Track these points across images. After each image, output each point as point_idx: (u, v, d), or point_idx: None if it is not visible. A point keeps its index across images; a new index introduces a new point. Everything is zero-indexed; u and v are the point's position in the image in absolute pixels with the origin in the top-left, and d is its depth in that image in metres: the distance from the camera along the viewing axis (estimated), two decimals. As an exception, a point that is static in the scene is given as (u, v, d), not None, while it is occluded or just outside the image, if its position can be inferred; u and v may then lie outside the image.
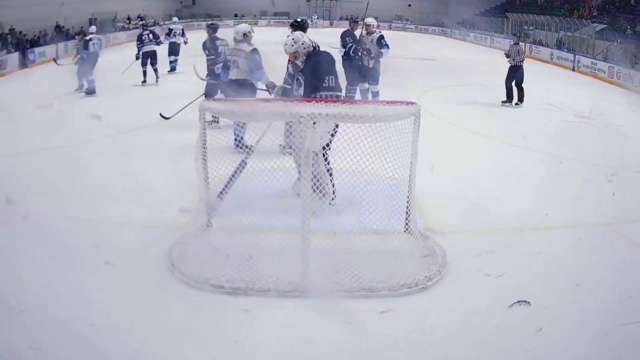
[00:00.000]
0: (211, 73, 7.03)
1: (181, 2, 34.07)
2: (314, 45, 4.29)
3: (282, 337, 2.82)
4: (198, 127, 3.68)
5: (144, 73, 10.71)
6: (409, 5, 35.51)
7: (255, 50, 5.65)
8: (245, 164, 3.93)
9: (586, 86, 13.32)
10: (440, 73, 14.11)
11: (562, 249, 3.89)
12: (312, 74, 4.19)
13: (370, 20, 7.46)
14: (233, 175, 3.87)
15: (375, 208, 3.67)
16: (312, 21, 28.78)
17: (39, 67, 14.15)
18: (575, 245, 3.91)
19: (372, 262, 3.41)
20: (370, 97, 7.33)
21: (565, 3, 25.69)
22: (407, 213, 3.83)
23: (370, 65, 7.25)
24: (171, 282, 3.31)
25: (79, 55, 9.82)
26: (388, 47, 7.25)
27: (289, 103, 3.60)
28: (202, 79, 7.17)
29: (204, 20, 22.63)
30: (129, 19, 26.46)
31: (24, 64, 14.22)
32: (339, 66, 6.97)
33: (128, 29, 23.80)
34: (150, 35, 10.85)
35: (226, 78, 5.90)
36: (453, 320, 3.00)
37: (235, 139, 4.50)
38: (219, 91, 6.68)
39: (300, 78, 4.43)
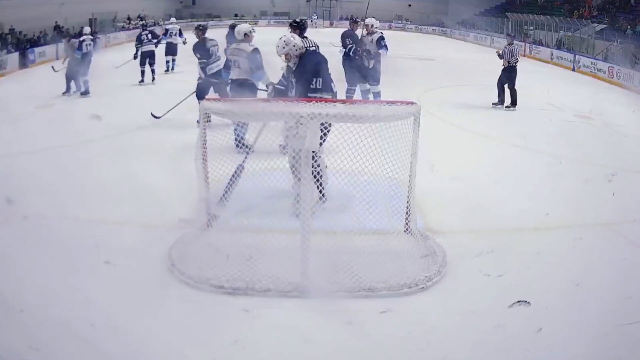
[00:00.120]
0: (205, 74, 6.96)
1: (181, 2, 34.08)
2: (306, 46, 4.28)
3: (282, 337, 2.82)
4: (198, 127, 3.68)
5: (142, 73, 10.81)
6: (409, 5, 35.50)
7: (256, 50, 5.66)
8: (243, 168, 3.93)
9: (586, 86, 13.31)
10: (440, 73, 14.11)
11: (562, 249, 3.89)
12: (300, 76, 4.19)
13: (371, 20, 7.44)
14: (231, 181, 3.87)
15: (375, 208, 3.68)
16: (312, 21, 28.81)
17: (38, 67, 14.13)
18: (575, 245, 3.91)
19: (372, 262, 3.41)
20: (371, 97, 7.31)
21: (565, 3, 25.69)
22: (407, 213, 3.83)
23: (370, 66, 7.24)
24: (171, 282, 3.31)
25: (67, 59, 9.82)
26: (387, 49, 7.21)
27: (288, 103, 3.60)
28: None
29: (204, 20, 22.62)
30: (129, 19, 26.48)
31: (23, 64, 14.20)
32: (339, 66, 7.01)
33: (128, 29, 23.81)
34: (149, 36, 10.91)
35: (227, 78, 5.91)
36: (453, 320, 3.00)
37: (236, 139, 4.49)
38: (212, 89, 6.72)
39: (292, 80, 4.43)
